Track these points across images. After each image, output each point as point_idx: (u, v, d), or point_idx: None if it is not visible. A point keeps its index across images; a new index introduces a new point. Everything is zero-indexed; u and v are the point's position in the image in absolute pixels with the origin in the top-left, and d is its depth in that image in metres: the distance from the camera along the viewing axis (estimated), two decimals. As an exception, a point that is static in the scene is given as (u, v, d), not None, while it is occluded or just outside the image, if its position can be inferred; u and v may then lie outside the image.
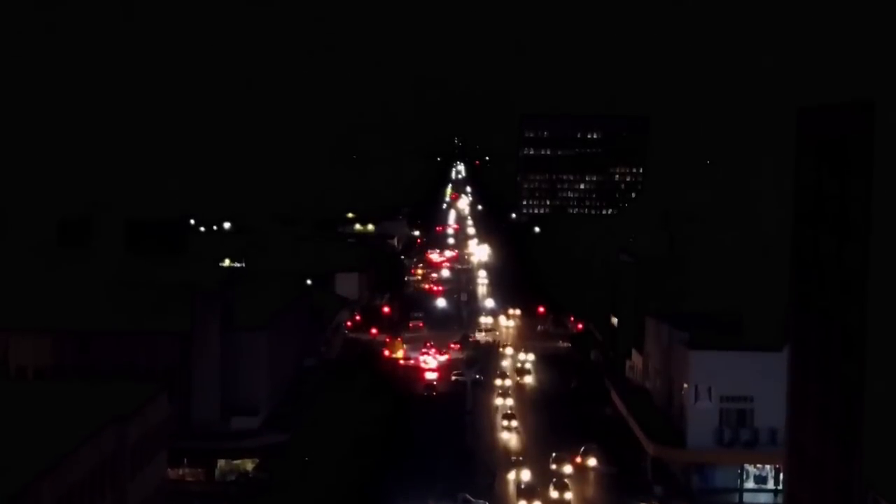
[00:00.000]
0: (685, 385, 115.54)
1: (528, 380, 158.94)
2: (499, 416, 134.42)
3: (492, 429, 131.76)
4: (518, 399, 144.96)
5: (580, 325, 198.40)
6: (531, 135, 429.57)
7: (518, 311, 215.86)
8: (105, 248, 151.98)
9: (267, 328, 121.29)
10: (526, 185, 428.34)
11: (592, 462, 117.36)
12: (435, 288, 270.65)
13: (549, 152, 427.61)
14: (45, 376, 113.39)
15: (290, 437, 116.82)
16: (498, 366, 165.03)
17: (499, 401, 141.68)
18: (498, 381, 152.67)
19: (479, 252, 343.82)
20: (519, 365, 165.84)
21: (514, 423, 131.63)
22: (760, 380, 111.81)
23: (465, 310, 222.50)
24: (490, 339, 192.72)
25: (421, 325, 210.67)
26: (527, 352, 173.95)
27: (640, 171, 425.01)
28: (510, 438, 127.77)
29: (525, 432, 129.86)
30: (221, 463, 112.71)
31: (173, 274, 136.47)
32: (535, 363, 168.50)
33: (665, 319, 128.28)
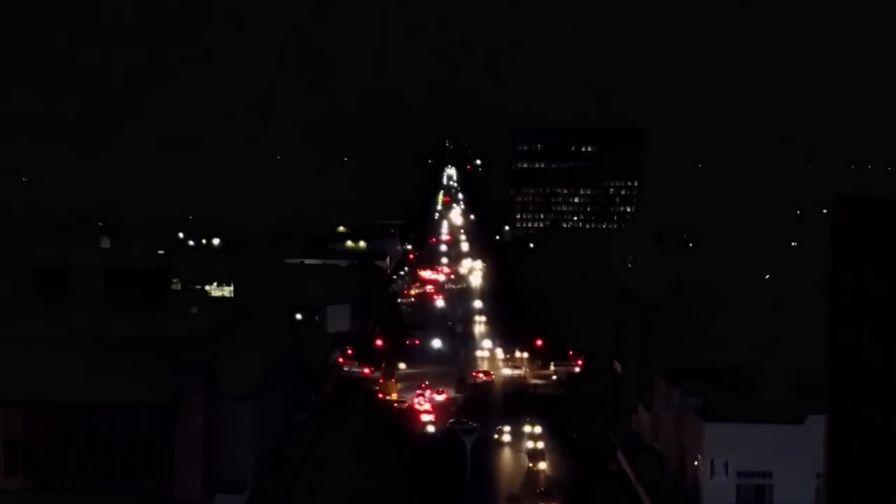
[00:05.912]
0: (699, 458, 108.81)
1: (543, 466, 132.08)
2: None
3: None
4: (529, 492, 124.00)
5: (580, 362, 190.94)
6: (524, 148, 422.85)
7: (525, 354, 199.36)
8: (84, 298, 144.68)
9: (253, 395, 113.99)
10: (519, 199, 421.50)
11: None
12: (435, 297, 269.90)
13: (542, 165, 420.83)
14: (17, 449, 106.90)
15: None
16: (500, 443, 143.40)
17: None
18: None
19: (474, 270, 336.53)
20: (531, 445, 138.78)
21: None
22: (780, 454, 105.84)
23: (462, 348, 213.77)
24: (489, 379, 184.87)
25: (417, 342, 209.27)
26: (533, 425, 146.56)
27: (635, 184, 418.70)
28: None
29: None
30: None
31: (155, 328, 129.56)
32: (545, 436, 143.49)
33: (675, 381, 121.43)
